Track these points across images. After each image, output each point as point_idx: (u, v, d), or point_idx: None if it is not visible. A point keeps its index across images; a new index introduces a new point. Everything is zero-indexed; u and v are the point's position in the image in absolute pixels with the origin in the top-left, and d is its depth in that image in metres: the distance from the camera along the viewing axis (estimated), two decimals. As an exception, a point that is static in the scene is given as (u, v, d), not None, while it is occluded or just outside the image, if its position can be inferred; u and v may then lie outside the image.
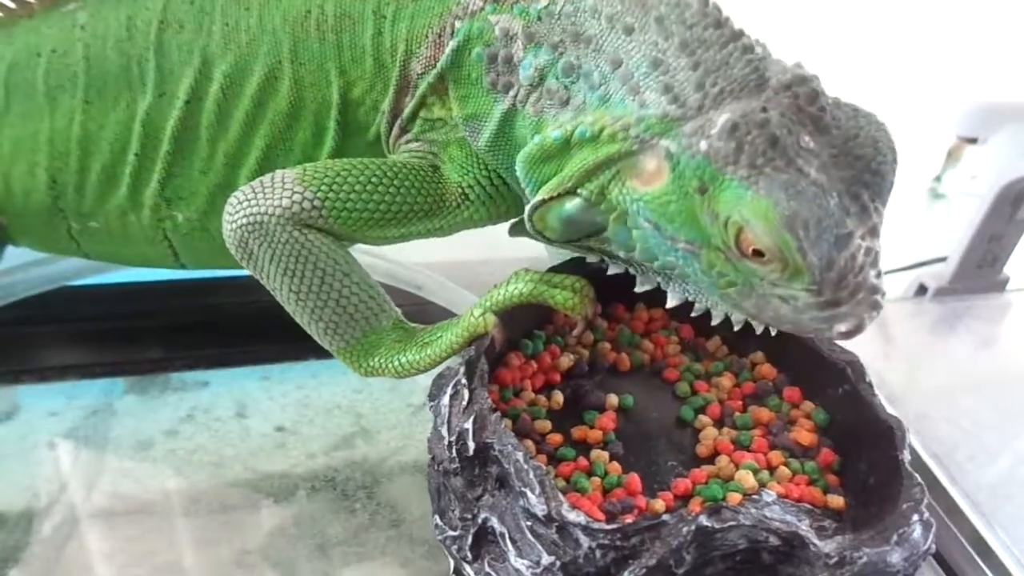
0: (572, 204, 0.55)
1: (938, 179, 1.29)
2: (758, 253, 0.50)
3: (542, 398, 0.62)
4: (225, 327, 0.85)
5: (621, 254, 0.56)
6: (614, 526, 0.50)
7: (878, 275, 0.51)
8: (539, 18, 0.57)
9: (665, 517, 0.51)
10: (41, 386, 0.81)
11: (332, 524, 0.69)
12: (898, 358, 1.03)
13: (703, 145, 0.50)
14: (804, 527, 0.53)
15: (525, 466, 0.52)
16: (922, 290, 1.06)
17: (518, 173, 0.57)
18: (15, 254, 0.75)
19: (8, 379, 0.80)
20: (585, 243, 0.57)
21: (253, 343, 0.84)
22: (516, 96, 0.57)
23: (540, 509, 0.51)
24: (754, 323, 0.54)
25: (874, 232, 0.51)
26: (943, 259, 1.06)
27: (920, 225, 1.25)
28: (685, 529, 0.50)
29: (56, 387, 0.81)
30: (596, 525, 0.50)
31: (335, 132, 0.62)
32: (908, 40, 1.36)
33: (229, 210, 0.57)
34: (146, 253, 0.68)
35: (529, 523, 0.51)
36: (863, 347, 1.02)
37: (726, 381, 0.65)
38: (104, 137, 0.63)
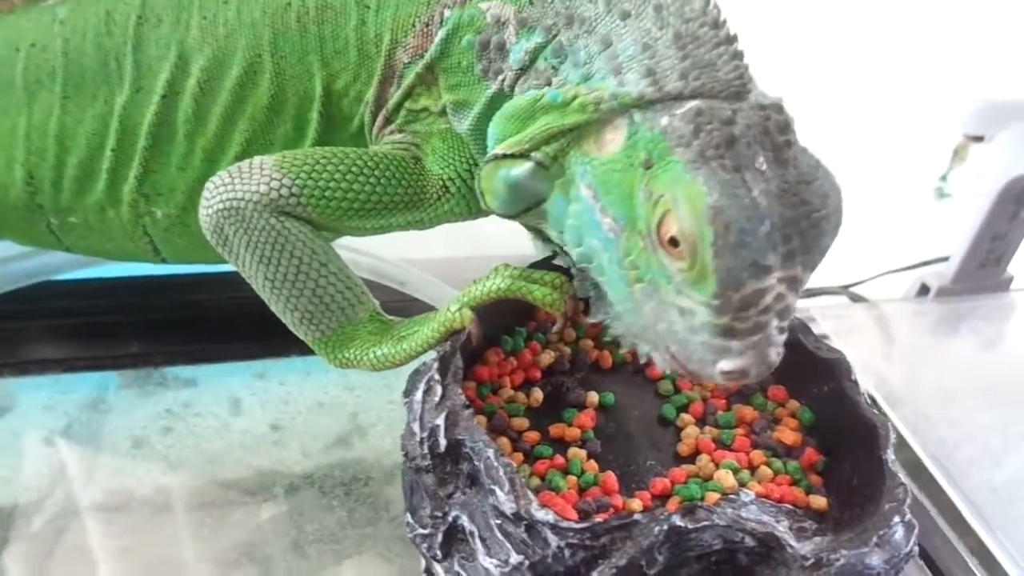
0: (522, 168, 0.53)
1: (944, 178, 1.27)
2: (674, 244, 0.48)
3: (521, 395, 0.61)
4: (210, 323, 0.85)
5: (553, 235, 0.55)
6: (583, 525, 0.49)
7: (782, 331, 0.49)
8: (531, 2, 0.56)
9: (637, 516, 0.50)
10: (35, 381, 0.82)
11: (315, 521, 0.69)
12: (899, 359, 1.01)
13: (664, 120, 0.49)
14: (781, 528, 0.51)
15: (495, 463, 0.51)
16: (924, 290, 1.04)
17: (488, 133, 0.56)
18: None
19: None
20: (523, 219, 0.57)
21: (241, 339, 0.83)
22: (504, 80, 0.57)
23: (509, 507, 0.50)
24: (645, 347, 0.53)
25: (793, 285, 0.49)
26: (946, 259, 1.04)
27: (925, 225, 1.23)
28: (657, 529, 0.49)
29: (50, 382, 0.81)
30: (565, 524, 0.49)
31: (318, 124, 0.62)
32: (916, 37, 1.35)
33: (206, 195, 0.57)
34: (126, 248, 0.68)
35: (498, 521, 0.51)
36: (863, 347, 1.01)
37: (710, 379, 0.64)
38: (81, 132, 0.63)
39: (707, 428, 0.61)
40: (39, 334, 0.82)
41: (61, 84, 0.63)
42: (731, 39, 0.52)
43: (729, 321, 0.48)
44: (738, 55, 0.52)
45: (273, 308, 0.59)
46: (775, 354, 0.49)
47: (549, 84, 0.54)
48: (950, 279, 1.03)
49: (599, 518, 0.52)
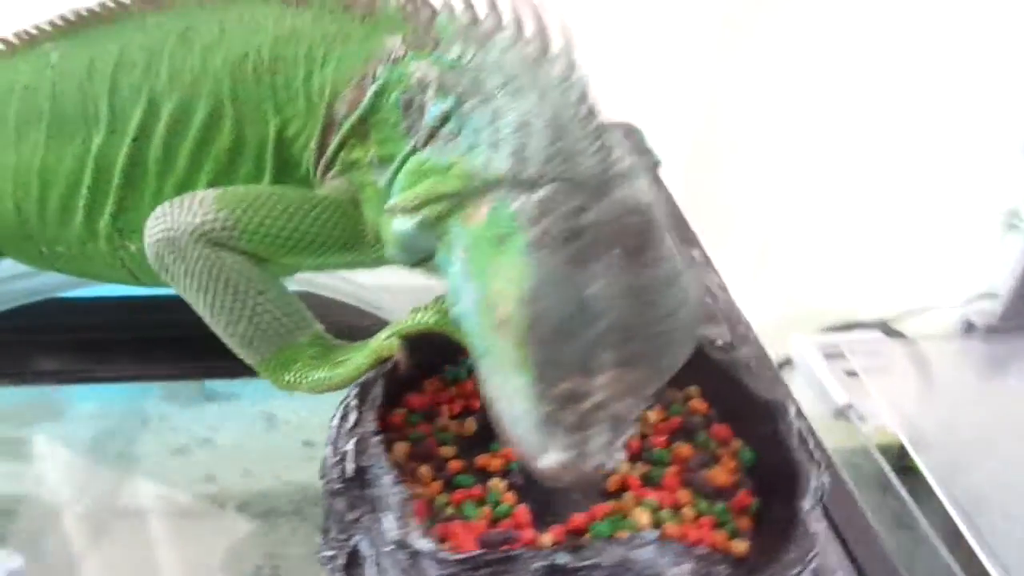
0: (410, 223, 0.56)
1: (1015, 211, 1.19)
2: (506, 323, 0.49)
3: (453, 424, 0.61)
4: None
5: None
6: (462, 556, 0.49)
7: (618, 435, 0.48)
8: (451, 67, 0.59)
9: (518, 550, 0.50)
10: (78, 389, 0.87)
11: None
12: (937, 401, 0.95)
13: (519, 200, 0.51)
14: (676, 571, 0.50)
15: (390, 490, 0.52)
16: (970, 328, 0.98)
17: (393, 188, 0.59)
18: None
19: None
20: (421, 269, 0.58)
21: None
22: (417, 140, 0.59)
23: (394, 534, 0.51)
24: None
25: (634, 391, 0.49)
26: (995, 295, 0.98)
27: (990, 258, 1.15)
28: (536, 565, 0.49)
29: (92, 391, 0.87)
30: (443, 554, 0.49)
31: (272, 167, 0.66)
32: (990, 61, 1.27)
33: (149, 224, 0.61)
34: (110, 275, 0.73)
35: (389, 548, 0.52)
36: (896, 387, 0.95)
37: (654, 415, 0.62)
38: (61, 171, 0.69)
39: (639, 464, 0.60)
40: (76, 346, 0.87)
41: (46, 125, 0.69)
42: (601, 132, 0.53)
43: (550, 413, 0.48)
44: (605, 149, 0.52)
45: (215, 331, 0.62)
46: (604, 460, 0.48)
47: (445, 149, 0.57)
48: (998, 316, 0.96)
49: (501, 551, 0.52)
